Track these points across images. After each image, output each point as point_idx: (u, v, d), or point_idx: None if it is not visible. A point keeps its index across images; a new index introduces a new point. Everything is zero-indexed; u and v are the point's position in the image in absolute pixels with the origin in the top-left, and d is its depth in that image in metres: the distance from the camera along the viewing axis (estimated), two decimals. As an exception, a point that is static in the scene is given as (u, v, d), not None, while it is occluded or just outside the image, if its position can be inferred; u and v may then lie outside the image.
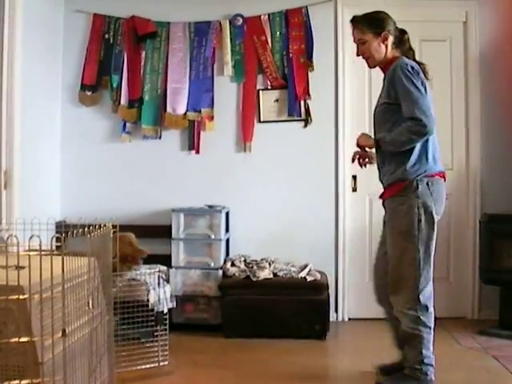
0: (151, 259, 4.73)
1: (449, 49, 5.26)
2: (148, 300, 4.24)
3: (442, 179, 3.31)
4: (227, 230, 5.09)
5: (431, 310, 3.30)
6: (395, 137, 3.22)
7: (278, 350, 4.29)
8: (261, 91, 5.20)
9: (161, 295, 4.37)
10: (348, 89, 5.25)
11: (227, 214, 5.04)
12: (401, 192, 3.24)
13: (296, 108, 5.16)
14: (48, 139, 5.10)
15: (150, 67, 5.15)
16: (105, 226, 2.70)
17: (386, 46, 3.34)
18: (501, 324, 4.74)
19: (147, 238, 4.92)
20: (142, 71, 5.12)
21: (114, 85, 5.13)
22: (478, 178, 5.16)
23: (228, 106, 5.18)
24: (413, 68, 3.17)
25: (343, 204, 5.19)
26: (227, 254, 5.09)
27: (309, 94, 5.16)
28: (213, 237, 4.89)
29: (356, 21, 3.39)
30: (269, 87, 5.21)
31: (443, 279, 5.25)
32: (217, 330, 4.71)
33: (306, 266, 4.92)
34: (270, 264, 4.91)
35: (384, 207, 3.47)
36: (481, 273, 5.01)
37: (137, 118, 5.09)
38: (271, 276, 4.80)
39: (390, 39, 3.34)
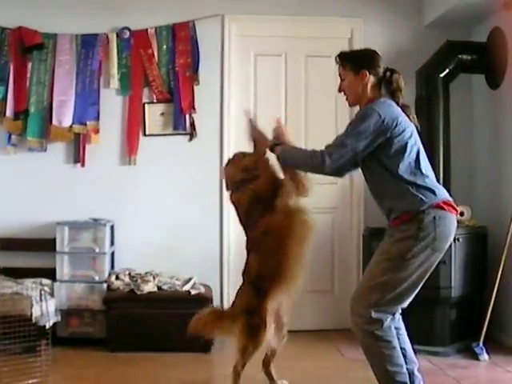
0: (34, 273, 5.46)
1: (334, 64, 6.12)
2: (31, 314, 4.81)
3: (453, 213, 3.44)
4: (112, 243, 5.60)
5: (389, 324, 3.43)
6: (294, 155, 3.59)
7: (164, 363, 4.73)
8: (146, 104, 5.85)
9: (44, 309, 4.94)
10: (233, 103, 5.96)
11: (112, 227, 5.55)
12: (405, 222, 3.39)
13: (181, 122, 5.84)
14: None
15: (36, 79, 5.63)
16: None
17: (366, 86, 3.53)
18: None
19: (31, 252, 5.63)
20: (28, 83, 5.60)
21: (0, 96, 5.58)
22: (362, 193, 5.92)
23: (114, 119, 5.71)
24: (380, 117, 3.35)
25: (228, 217, 5.87)
26: (112, 267, 5.69)
27: (194, 108, 5.86)
28: (97, 250, 5.49)
29: (340, 56, 3.63)
30: (154, 101, 5.88)
31: (328, 292, 6.09)
32: (102, 344, 5.27)
33: (190, 280, 5.58)
34: (154, 277, 5.53)
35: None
36: (364, 285, 5.89)
37: (22, 130, 5.55)
38: (155, 289, 5.42)
39: (371, 79, 3.52)
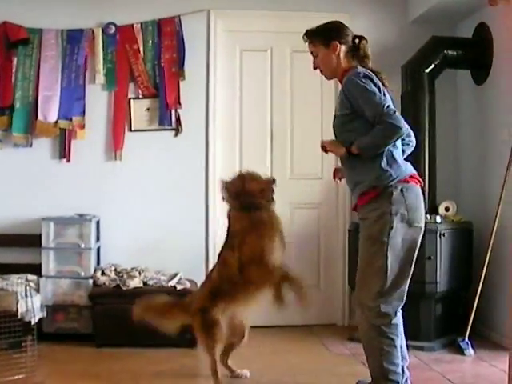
0: (20, 268, 5.44)
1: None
2: (17, 310, 4.80)
3: (417, 185, 3.51)
4: (98, 238, 5.63)
5: (396, 321, 3.48)
6: (370, 141, 3.43)
7: (150, 359, 4.74)
8: (132, 100, 5.85)
9: (30, 305, 4.92)
10: (219, 98, 5.97)
11: (98, 222, 5.54)
12: (374, 199, 3.44)
13: (167, 117, 5.84)
14: None
15: (21, 74, 5.58)
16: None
17: (338, 56, 3.59)
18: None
19: (16, 247, 5.61)
20: (13, 78, 5.56)
21: (-15, 92, 5.67)
22: (348, 188, 6.00)
23: (99, 115, 5.68)
24: (366, 76, 3.43)
25: (213, 212, 5.90)
26: (98, 263, 5.69)
27: (180, 103, 5.85)
28: (83, 246, 5.48)
29: (307, 34, 3.68)
30: (140, 96, 5.88)
31: (313, 287, 6.04)
32: (88, 340, 5.26)
33: (176, 275, 5.58)
34: (140, 273, 5.53)
35: (358, 218, 3.67)
36: (349, 280, 5.81)
37: (7, 126, 5.52)
38: (141, 285, 5.42)
39: (342, 49, 3.58)
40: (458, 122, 6.17)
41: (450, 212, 5.62)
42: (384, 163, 3.44)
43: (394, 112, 3.37)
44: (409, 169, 3.53)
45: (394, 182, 3.43)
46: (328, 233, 6.11)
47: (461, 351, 5.15)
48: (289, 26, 5.95)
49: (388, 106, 3.38)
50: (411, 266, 3.53)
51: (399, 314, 3.56)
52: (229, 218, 4.13)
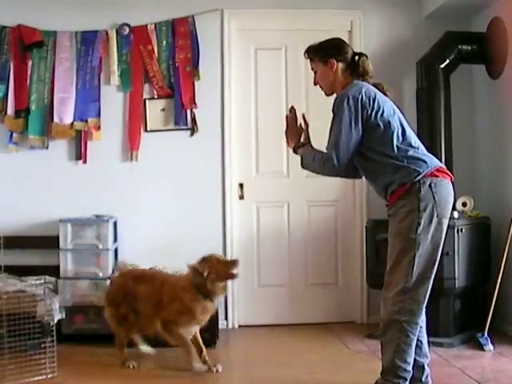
0: (38, 270, 5.42)
1: (334, 57, 6.12)
2: (36, 312, 4.80)
3: (447, 179, 3.51)
4: (115, 239, 5.66)
5: (417, 320, 3.49)
6: (310, 158, 3.65)
7: (169, 358, 4.70)
8: (147, 100, 5.85)
9: (48, 306, 4.92)
10: (234, 97, 5.97)
11: (115, 223, 5.58)
12: (402, 195, 3.46)
13: (182, 117, 5.85)
14: None
15: (36, 77, 5.63)
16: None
17: (336, 73, 3.65)
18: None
19: (34, 249, 5.64)
20: (28, 81, 5.60)
21: (0, 95, 5.56)
22: (365, 186, 5.88)
23: (115, 116, 5.70)
24: (354, 97, 3.46)
25: (230, 212, 5.91)
26: (116, 263, 5.71)
27: (195, 103, 5.86)
28: (101, 247, 5.49)
29: (308, 51, 3.75)
30: (155, 96, 5.89)
31: (332, 284, 6.09)
32: (107, 341, 5.16)
33: None
34: None
35: (388, 215, 3.65)
36: (368, 277, 5.81)
37: (23, 128, 5.58)
38: None
39: (340, 66, 3.65)
40: (473, 117, 6.13)
41: (468, 207, 5.59)
42: (405, 162, 3.48)
43: (336, 146, 3.51)
44: (434, 162, 3.53)
45: (421, 176, 3.44)
46: (345, 230, 6.09)
47: (480, 347, 5.12)
48: (302, 23, 5.97)
49: (336, 139, 3.50)
50: (436, 261, 3.53)
51: (423, 314, 3.58)
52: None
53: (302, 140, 3.80)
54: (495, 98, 5.79)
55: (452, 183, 3.60)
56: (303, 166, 3.76)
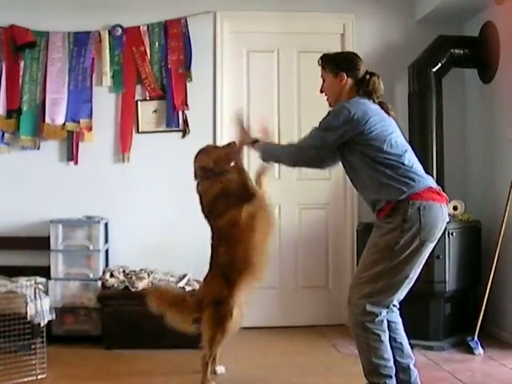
0: (29, 271, 5.42)
1: (327, 60, 6.13)
2: (26, 312, 4.78)
3: (438, 202, 3.47)
4: (106, 240, 5.63)
5: (380, 319, 3.49)
6: (278, 148, 3.82)
7: (159, 360, 4.74)
8: (139, 102, 5.84)
9: (39, 307, 4.90)
10: (226, 99, 5.95)
11: (106, 224, 5.56)
12: (389, 212, 3.46)
13: (174, 119, 5.84)
14: None
15: (28, 77, 5.63)
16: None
17: (344, 87, 3.65)
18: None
19: (25, 250, 5.62)
20: (20, 81, 5.60)
21: (-8, 95, 5.68)
22: (355, 188, 6.01)
23: (106, 117, 5.70)
24: (349, 113, 3.47)
25: None
26: (106, 264, 5.68)
27: (187, 105, 5.86)
28: (91, 248, 5.48)
29: (322, 58, 3.76)
30: (147, 98, 5.88)
31: (322, 287, 6.08)
32: (97, 342, 5.26)
33: (184, 276, 5.58)
34: (148, 274, 5.52)
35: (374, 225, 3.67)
36: (358, 280, 5.89)
37: (15, 129, 5.57)
38: (150, 286, 5.41)
39: (349, 81, 3.64)
40: (465, 121, 6.15)
41: (459, 211, 5.59)
42: (391, 180, 3.46)
43: (308, 146, 3.65)
44: (425, 182, 3.50)
45: (405, 196, 3.42)
46: (336, 233, 6.08)
47: (470, 350, 5.13)
48: (295, 26, 5.98)
49: (311, 139, 3.65)
50: (412, 279, 3.54)
51: (396, 310, 3.60)
52: (199, 193, 4.35)
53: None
54: (487, 102, 5.80)
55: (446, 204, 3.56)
56: (264, 157, 3.87)
